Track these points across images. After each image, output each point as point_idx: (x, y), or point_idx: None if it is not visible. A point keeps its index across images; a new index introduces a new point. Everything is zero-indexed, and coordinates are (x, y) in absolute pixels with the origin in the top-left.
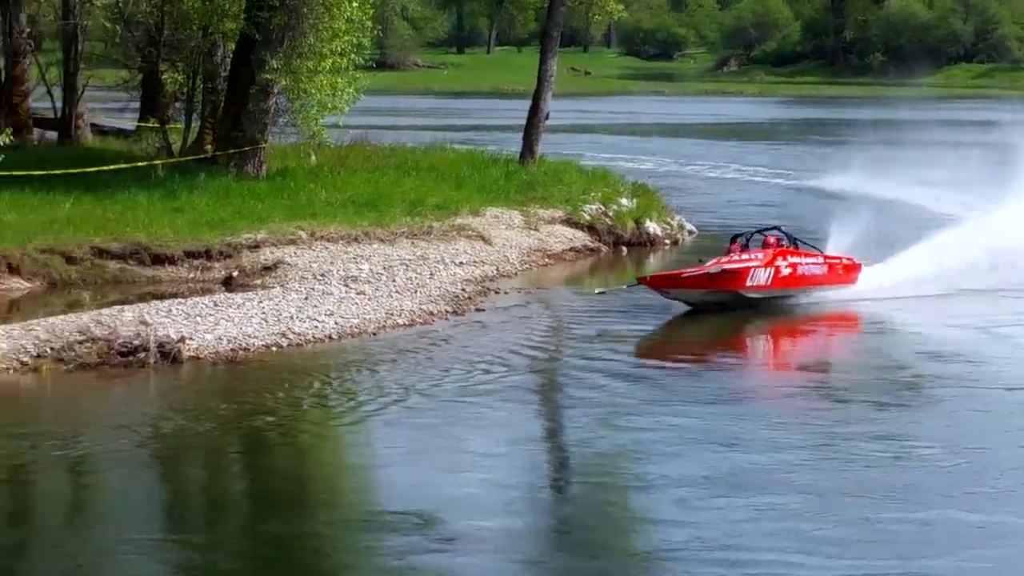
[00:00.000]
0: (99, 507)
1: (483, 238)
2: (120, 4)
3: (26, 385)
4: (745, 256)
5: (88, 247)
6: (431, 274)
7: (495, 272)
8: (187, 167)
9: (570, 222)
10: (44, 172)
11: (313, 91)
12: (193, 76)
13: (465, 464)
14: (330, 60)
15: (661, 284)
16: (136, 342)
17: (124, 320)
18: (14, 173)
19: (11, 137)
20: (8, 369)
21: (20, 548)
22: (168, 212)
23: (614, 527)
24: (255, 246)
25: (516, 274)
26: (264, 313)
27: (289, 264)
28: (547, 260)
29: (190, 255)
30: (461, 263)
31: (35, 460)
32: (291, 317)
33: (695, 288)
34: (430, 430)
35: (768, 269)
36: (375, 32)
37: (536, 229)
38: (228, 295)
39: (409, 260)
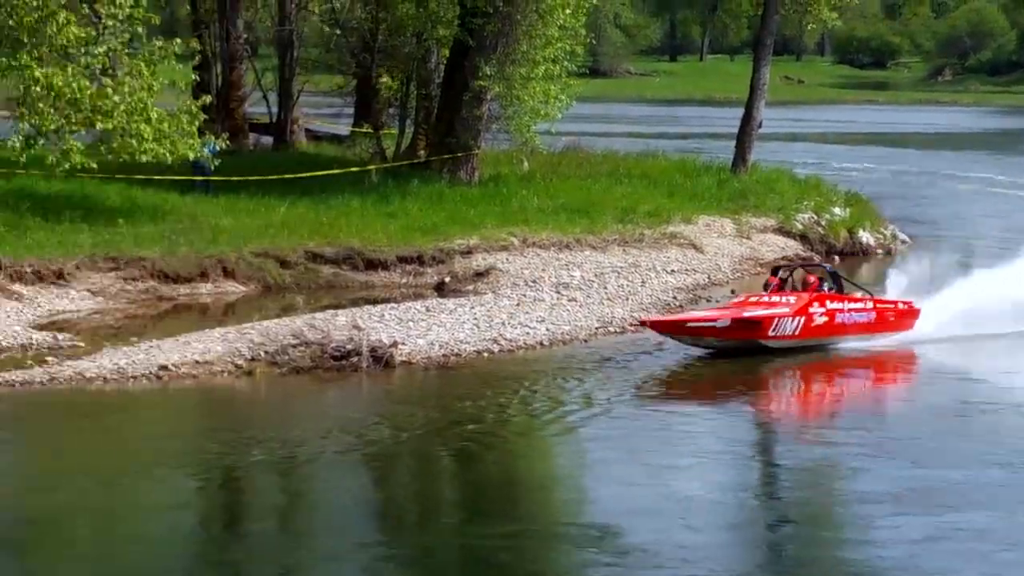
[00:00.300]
0: (308, 511)
1: (695, 246)
2: (336, 10)
3: (240, 388)
4: (776, 299)
5: (302, 251)
6: (642, 282)
7: (707, 280)
8: (400, 172)
9: (782, 231)
10: (259, 177)
11: (526, 98)
12: (407, 82)
13: (659, 476)
14: (543, 67)
15: (663, 330)
16: (349, 346)
17: (337, 324)
18: (230, 178)
19: (227, 142)
20: (223, 372)
21: (231, 550)
22: (381, 217)
23: (793, 543)
24: (467, 252)
25: (728, 282)
26: (476, 319)
27: (501, 270)
28: (759, 268)
29: (403, 260)
30: (673, 271)
31: (248, 463)
32: (503, 323)
33: (703, 336)
34: (631, 440)
35: (798, 318)
36: (588, 39)
37: (748, 237)
38: (440, 300)
39: (620, 267)
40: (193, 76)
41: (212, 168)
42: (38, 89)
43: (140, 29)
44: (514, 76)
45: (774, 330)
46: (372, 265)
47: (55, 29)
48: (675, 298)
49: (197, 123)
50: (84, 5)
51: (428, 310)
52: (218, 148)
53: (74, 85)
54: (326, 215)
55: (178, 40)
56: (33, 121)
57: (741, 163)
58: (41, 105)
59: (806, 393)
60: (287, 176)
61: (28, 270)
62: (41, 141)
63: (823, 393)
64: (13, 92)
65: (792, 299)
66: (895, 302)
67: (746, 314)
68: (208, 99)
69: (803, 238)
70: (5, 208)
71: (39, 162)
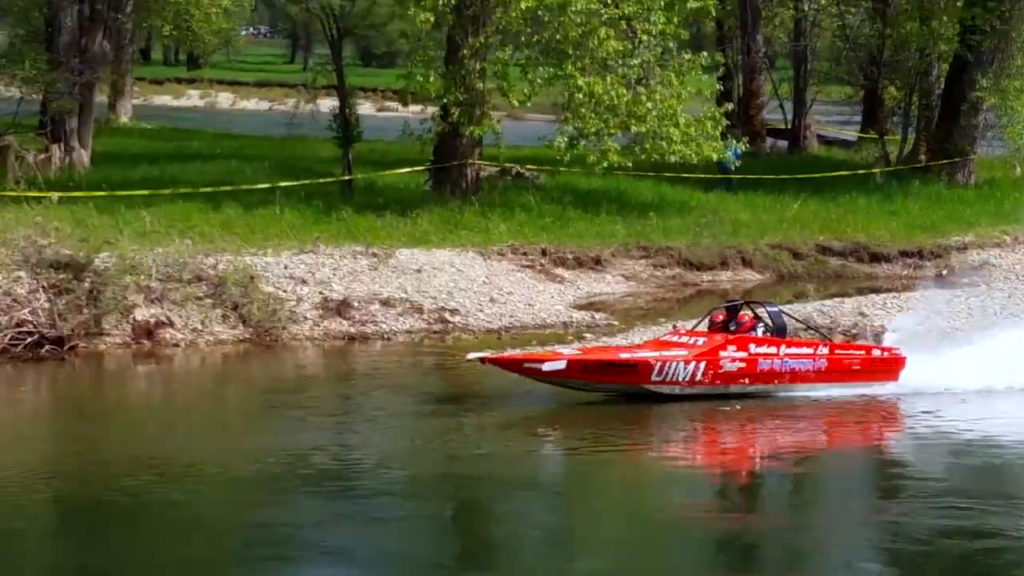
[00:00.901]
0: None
1: None
2: (847, 27)
3: None
4: (684, 340)
5: (813, 244)
6: None
7: None
8: (902, 175)
9: None
10: (775, 177)
11: (1020, 108)
12: (909, 93)
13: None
14: None
15: (506, 368)
16: (854, 331)
17: (843, 311)
18: (748, 177)
19: (747, 145)
20: None
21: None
22: (884, 215)
23: None
24: (963, 248)
25: None
26: (970, 309)
27: (994, 265)
28: None
29: (903, 254)
30: None
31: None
32: (995, 313)
33: (541, 378)
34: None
35: (695, 364)
36: None
37: None
38: (937, 291)
39: None
40: (717, 86)
41: (734, 168)
42: (580, 96)
43: (671, 44)
44: (1009, 88)
45: (659, 375)
46: (876, 258)
47: (596, 43)
48: None
49: (720, 128)
50: (622, 22)
51: (925, 300)
52: (740, 151)
53: (612, 93)
54: (835, 212)
55: (704, 53)
56: (576, 124)
57: None
58: (583, 110)
59: None
60: (800, 176)
61: (570, 256)
62: (583, 142)
63: None
64: (559, 99)
65: (699, 341)
66: (866, 348)
67: (623, 356)
68: (730, 106)
69: None
70: (551, 201)
71: (580, 161)
